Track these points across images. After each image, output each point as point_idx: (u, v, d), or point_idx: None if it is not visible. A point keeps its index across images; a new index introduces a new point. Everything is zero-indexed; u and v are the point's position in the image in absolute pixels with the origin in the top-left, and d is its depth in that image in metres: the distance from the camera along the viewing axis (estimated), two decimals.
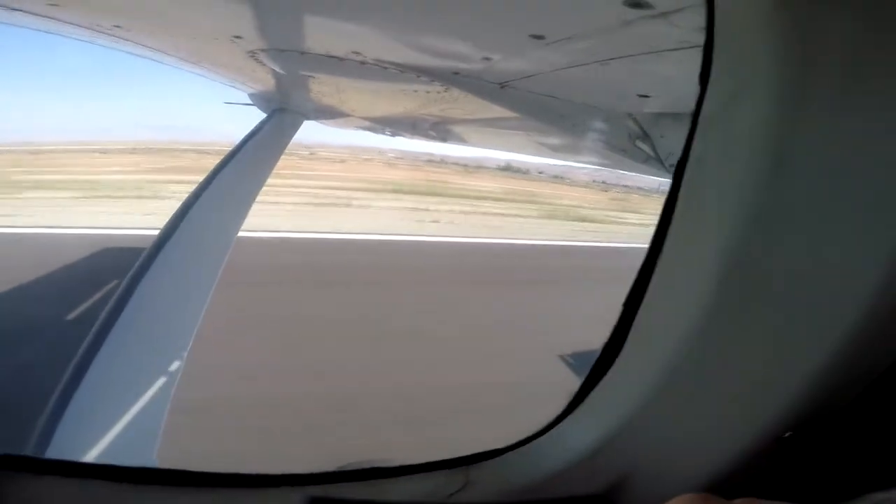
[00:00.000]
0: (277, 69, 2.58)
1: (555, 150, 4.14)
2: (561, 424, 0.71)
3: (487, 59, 1.74)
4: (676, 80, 1.77)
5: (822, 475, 0.57)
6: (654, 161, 2.98)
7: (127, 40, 2.34)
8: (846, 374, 0.54)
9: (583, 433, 0.68)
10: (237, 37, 2.06)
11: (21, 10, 1.88)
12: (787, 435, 0.57)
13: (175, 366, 1.74)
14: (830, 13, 0.49)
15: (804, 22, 0.51)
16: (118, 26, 2.06)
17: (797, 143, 0.53)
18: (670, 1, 1.03)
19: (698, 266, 0.60)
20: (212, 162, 3.46)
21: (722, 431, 0.60)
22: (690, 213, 0.61)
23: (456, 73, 2.06)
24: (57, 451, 1.20)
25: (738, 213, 0.56)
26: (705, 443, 0.61)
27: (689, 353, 0.60)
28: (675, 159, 3.16)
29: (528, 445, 0.72)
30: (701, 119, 0.60)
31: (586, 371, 0.70)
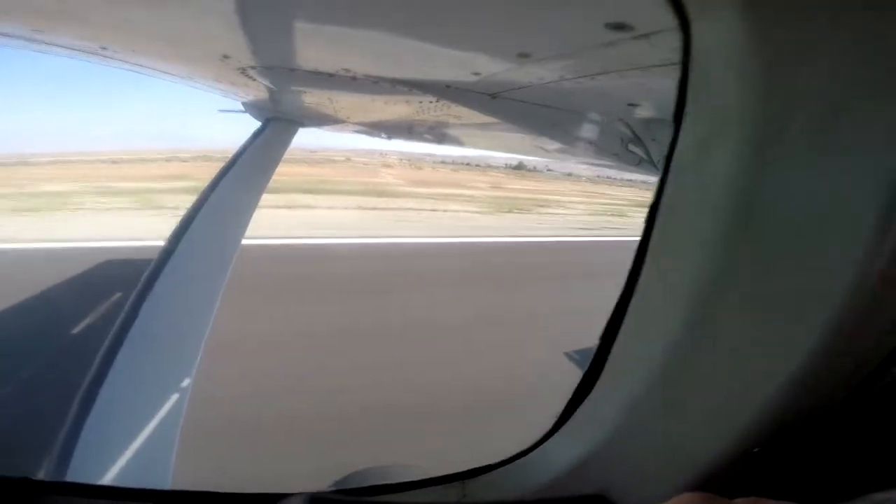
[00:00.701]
0: (268, 84, 2.58)
1: (549, 154, 4.14)
2: (549, 441, 0.75)
3: (477, 73, 1.75)
4: (664, 90, 1.78)
5: (821, 475, 0.58)
6: (646, 163, 2.99)
7: (115, 59, 2.34)
8: (823, 383, 0.55)
9: (568, 449, 0.71)
10: (225, 56, 2.06)
11: (7, 35, 1.89)
12: (755, 450, 0.59)
13: (185, 382, 1.74)
14: (806, 57, 0.50)
15: (779, 67, 0.51)
16: (104, 48, 2.06)
17: (768, 191, 0.54)
18: (650, 24, 1.03)
19: (670, 304, 0.62)
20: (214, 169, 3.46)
21: (698, 444, 0.62)
22: (663, 255, 0.63)
23: (448, 87, 2.06)
24: (76, 473, 1.22)
25: (708, 261, 0.57)
26: (681, 456, 0.63)
27: (662, 377, 0.63)
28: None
29: (520, 460, 0.75)
30: (673, 165, 0.61)
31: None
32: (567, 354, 5.56)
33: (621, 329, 0.66)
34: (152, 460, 1.37)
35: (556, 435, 0.73)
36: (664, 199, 0.61)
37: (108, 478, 1.25)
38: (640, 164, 2.86)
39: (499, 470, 0.74)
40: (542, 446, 0.74)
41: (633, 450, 0.65)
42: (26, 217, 9.41)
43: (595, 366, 0.69)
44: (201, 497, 0.65)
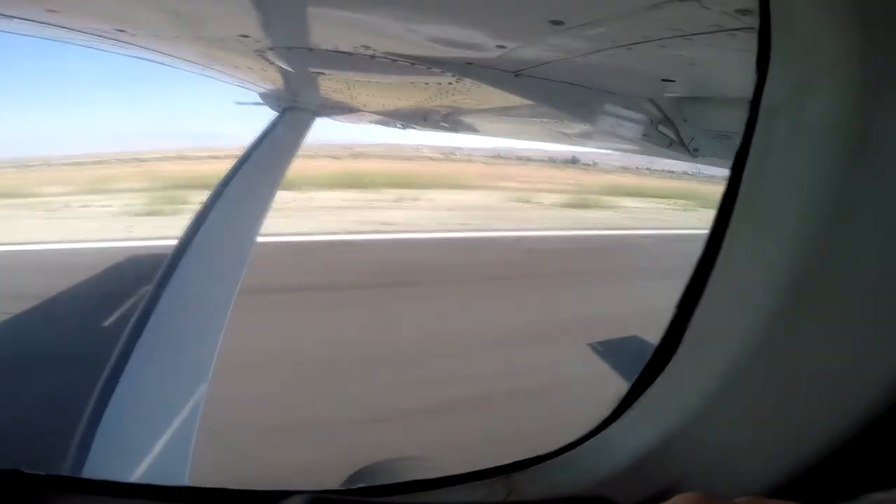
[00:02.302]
0: (286, 67, 2.53)
1: (573, 138, 4.02)
2: (607, 430, 0.69)
3: (502, 46, 1.66)
4: (704, 63, 1.67)
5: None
6: (677, 145, 2.87)
7: (131, 44, 2.31)
8: None
9: (631, 439, 0.65)
10: (243, 36, 2.01)
11: (18, 18, 1.86)
12: (845, 447, 0.53)
13: (202, 381, 1.69)
14: None
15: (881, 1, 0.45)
16: (121, 30, 2.03)
17: (875, 134, 0.47)
18: None
19: (763, 264, 0.56)
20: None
21: (782, 438, 0.56)
22: (754, 208, 0.57)
23: (469, 63, 1.98)
24: (92, 471, 1.20)
25: (807, 208, 0.52)
26: (765, 450, 0.58)
27: (752, 355, 0.56)
28: (698, 143, 3.02)
29: (571, 452, 0.69)
30: (763, 109, 0.55)
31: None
32: (591, 345, 5.30)
33: (697, 311, 0.60)
34: (170, 458, 1.34)
35: (616, 423, 0.68)
36: (753, 151, 0.55)
37: (125, 476, 1.23)
38: (670, 145, 2.75)
39: (547, 462, 0.69)
40: (598, 435, 0.68)
41: (710, 442, 0.60)
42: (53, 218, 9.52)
43: (668, 341, 0.63)
44: (199, 493, 0.62)
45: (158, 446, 1.32)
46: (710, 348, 0.60)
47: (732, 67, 1.64)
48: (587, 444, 0.69)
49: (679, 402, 0.62)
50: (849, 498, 0.39)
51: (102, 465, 1.19)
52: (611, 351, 4.93)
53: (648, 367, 0.65)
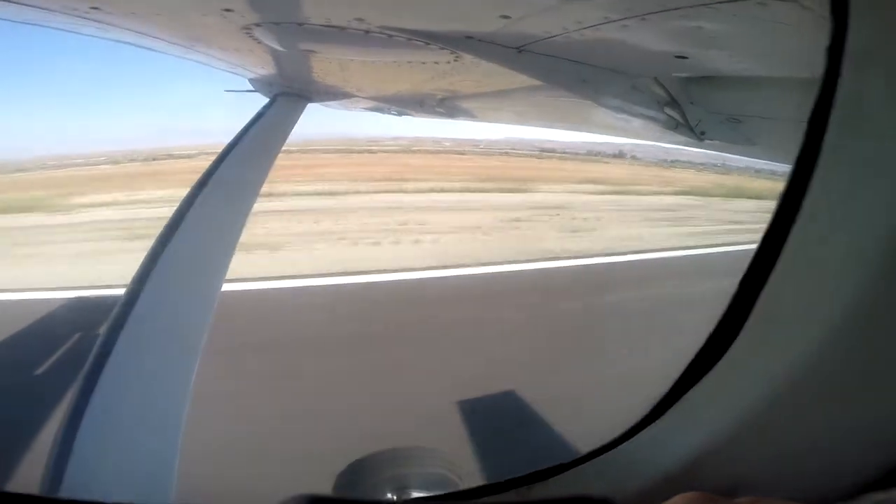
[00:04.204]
0: (275, 45, 2.40)
1: (576, 121, 3.92)
2: (643, 433, 0.64)
3: (505, 16, 1.55)
4: (726, 38, 1.56)
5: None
6: (683, 128, 2.78)
7: (107, 24, 2.17)
8: None
9: (671, 444, 0.60)
10: (227, 10, 1.88)
11: None
12: None
13: (186, 388, 1.55)
14: None
15: None
16: (95, 8, 1.89)
17: None
18: None
19: (842, 255, 0.50)
20: None
21: (849, 447, 0.53)
22: (832, 194, 0.51)
23: (469, 38, 1.87)
24: (69, 491, 1.09)
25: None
26: (826, 460, 0.54)
27: (823, 354, 0.51)
28: (706, 126, 2.91)
29: (602, 457, 0.64)
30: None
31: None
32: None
33: (762, 293, 0.54)
34: (153, 475, 1.22)
35: (654, 425, 0.62)
36: (828, 139, 0.49)
37: (105, 495, 1.12)
38: (677, 128, 2.65)
39: (576, 469, 0.63)
40: (633, 439, 0.62)
41: (763, 448, 0.55)
42: None
43: (720, 336, 0.57)
44: None
45: (140, 462, 1.21)
46: (774, 343, 0.55)
47: (756, 43, 1.54)
48: (620, 448, 0.64)
49: (730, 404, 0.57)
50: (849, 498, 0.38)
51: (80, 484, 1.08)
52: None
53: (696, 362, 0.59)
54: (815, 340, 0.51)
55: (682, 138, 2.92)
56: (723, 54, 1.82)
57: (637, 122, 2.82)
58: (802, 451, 0.54)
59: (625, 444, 0.63)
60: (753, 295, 0.55)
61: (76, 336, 4.43)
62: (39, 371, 3.98)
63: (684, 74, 2.37)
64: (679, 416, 0.61)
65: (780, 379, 0.53)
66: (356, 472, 1.76)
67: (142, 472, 1.18)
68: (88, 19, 2.11)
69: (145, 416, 1.34)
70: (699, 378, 0.59)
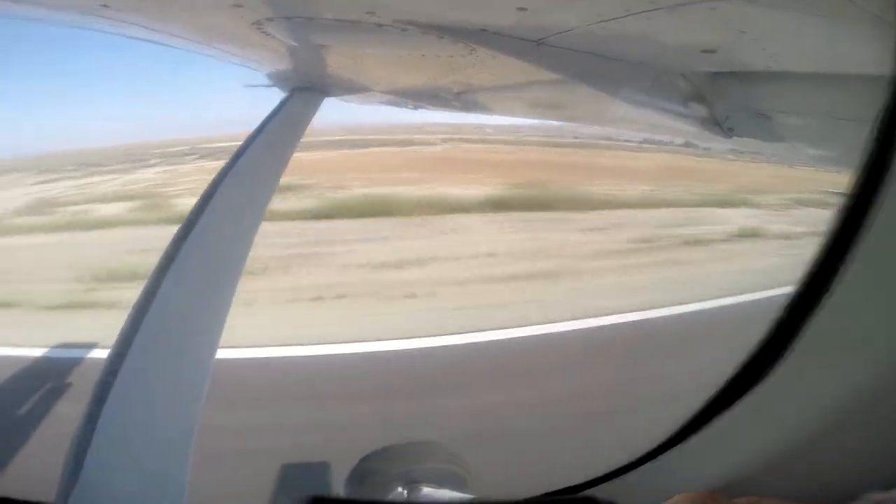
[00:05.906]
0: (287, 40, 2.36)
1: (595, 116, 3.80)
2: (670, 453, 0.63)
3: (522, 9, 1.47)
4: (759, 30, 1.46)
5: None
6: (710, 124, 2.66)
7: (118, 21, 2.15)
8: None
9: (698, 464, 0.60)
10: (237, 5, 1.84)
11: None
12: None
13: (201, 390, 1.50)
14: None
15: None
16: (105, 6, 1.87)
17: None
18: None
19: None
20: None
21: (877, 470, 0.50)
22: None
23: (484, 30, 1.79)
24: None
25: None
26: (855, 483, 0.50)
27: (870, 386, 0.49)
28: (733, 122, 2.79)
29: (627, 475, 0.65)
30: None
31: None
32: None
33: (813, 314, 0.52)
34: (163, 492, 1.20)
35: (681, 445, 0.61)
36: None
37: None
38: (703, 124, 2.53)
39: (599, 487, 0.65)
40: (659, 459, 0.62)
41: (794, 472, 0.55)
42: None
43: (768, 352, 0.56)
44: None
45: (152, 473, 1.19)
46: (827, 363, 0.54)
47: (791, 36, 1.43)
48: (644, 467, 0.64)
49: (765, 426, 0.56)
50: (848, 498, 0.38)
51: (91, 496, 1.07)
52: None
53: (738, 379, 0.59)
54: (859, 373, 0.48)
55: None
56: (754, 48, 1.71)
57: (659, 118, 2.71)
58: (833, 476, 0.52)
59: (642, 466, 0.62)
60: (798, 323, 0.53)
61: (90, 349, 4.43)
62: (51, 383, 3.98)
63: (709, 69, 2.26)
64: (710, 437, 0.59)
65: (819, 406, 0.51)
66: (365, 467, 1.72)
67: (152, 490, 1.17)
68: (98, 17, 2.11)
69: (156, 431, 1.32)
70: (743, 394, 0.58)
